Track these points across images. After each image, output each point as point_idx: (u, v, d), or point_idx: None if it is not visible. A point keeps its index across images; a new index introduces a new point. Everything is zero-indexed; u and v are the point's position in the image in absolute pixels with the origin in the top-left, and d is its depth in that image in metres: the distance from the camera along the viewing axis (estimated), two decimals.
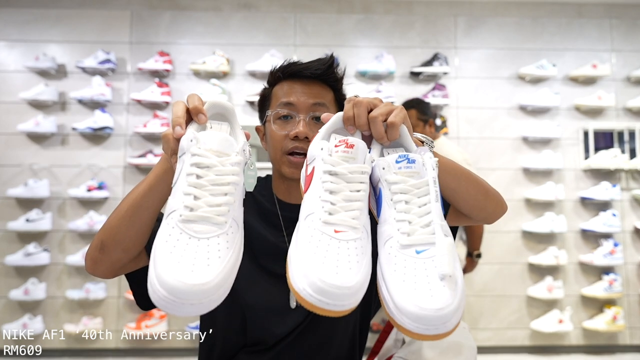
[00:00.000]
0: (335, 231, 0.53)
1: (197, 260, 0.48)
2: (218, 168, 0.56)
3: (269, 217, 0.98)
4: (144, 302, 0.86)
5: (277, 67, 0.96)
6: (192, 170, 0.55)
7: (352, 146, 0.59)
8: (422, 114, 2.38)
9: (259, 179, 1.02)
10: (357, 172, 0.58)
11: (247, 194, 0.80)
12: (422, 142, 0.69)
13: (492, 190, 0.81)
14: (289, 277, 0.51)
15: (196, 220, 0.52)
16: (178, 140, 0.59)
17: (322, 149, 0.60)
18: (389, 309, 0.51)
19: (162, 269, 0.47)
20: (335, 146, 0.59)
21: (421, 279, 0.50)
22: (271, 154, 0.94)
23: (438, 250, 0.51)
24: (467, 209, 0.78)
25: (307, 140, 0.87)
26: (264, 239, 0.94)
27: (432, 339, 0.49)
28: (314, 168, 0.60)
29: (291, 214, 0.95)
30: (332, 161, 0.58)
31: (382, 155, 0.65)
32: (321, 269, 0.49)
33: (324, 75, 0.93)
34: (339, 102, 0.98)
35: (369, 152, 0.62)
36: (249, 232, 0.93)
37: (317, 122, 0.90)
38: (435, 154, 0.66)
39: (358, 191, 0.57)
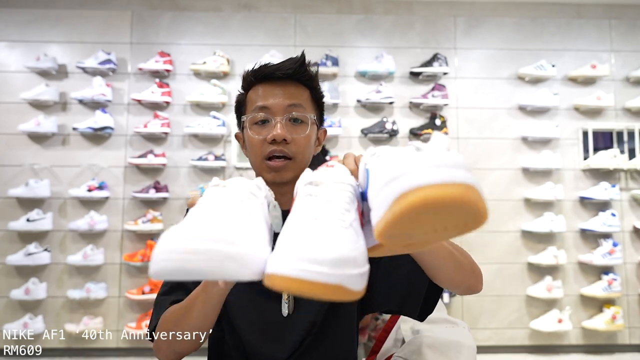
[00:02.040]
0: (316, 219, 0.47)
1: (209, 221, 0.45)
2: (236, 189, 0.54)
3: None
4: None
5: (249, 71, 0.94)
6: (211, 190, 0.54)
7: (332, 166, 0.58)
8: None
9: None
10: (340, 182, 0.53)
11: None
12: None
13: (472, 268, 0.78)
14: (272, 277, 0.43)
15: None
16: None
17: (304, 176, 0.58)
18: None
19: (169, 235, 0.43)
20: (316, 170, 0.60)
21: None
22: (251, 160, 0.91)
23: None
24: (443, 284, 0.77)
25: (285, 142, 0.86)
26: None
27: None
28: (297, 193, 0.56)
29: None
30: (313, 176, 0.55)
31: None
32: (310, 243, 0.42)
33: (296, 75, 0.90)
34: (316, 101, 0.95)
35: None
36: None
37: (295, 123, 0.89)
38: None
39: (342, 192, 0.51)
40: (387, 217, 0.40)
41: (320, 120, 0.96)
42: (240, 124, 0.95)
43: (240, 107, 0.96)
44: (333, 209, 0.48)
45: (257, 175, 0.91)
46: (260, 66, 0.92)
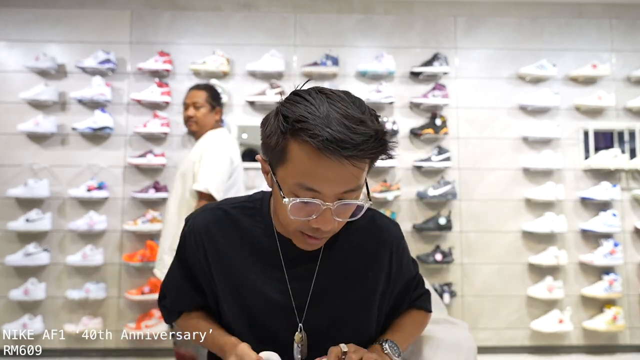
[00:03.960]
0: None
1: None
2: None
3: (266, 254, 0.84)
4: (170, 316, 0.95)
5: (294, 117, 0.66)
6: None
7: None
8: (213, 99, 2.27)
9: (251, 196, 0.90)
10: None
11: (239, 223, 0.87)
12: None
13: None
14: None
15: None
16: None
17: None
18: None
19: None
20: None
21: None
22: (282, 221, 0.77)
23: None
24: None
25: (331, 231, 0.73)
26: (260, 290, 0.83)
27: None
28: None
29: (294, 250, 0.81)
30: None
31: None
32: None
33: (369, 154, 0.67)
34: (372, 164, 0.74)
35: None
36: (243, 282, 0.84)
37: (347, 206, 0.71)
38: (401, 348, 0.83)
39: None
40: None
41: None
42: (270, 158, 0.74)
43: (275, 153, 0.71)
44: None
45: (283, 230, 0.81)
46: (315, 121, 0.64)
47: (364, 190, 0.74)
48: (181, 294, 0.91)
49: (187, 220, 0.90)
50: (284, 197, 0.69)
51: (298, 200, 0.69)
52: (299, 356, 0.81)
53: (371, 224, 0.89)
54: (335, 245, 0.84)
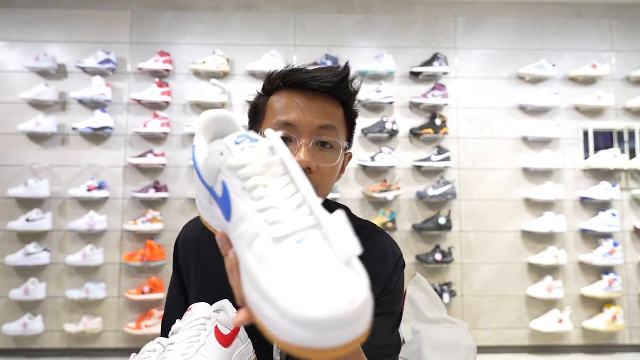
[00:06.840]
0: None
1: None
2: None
3: None
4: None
5: (276, 73, 0.77)
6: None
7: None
8: None
9: None
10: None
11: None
12: None
13: None
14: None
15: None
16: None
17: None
18: (274, 327, 0.36)
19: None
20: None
21: (316, 271, 0.36)
22: None
23: (329, 229, 0.38)
24: None
25: (310, 171, 0.72)
26: None
27: (343, 352, 0.34)
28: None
29: None
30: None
31: None
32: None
33: (335, 90, 0.74)
34: (350, 120, 0.80)
35: None
36: (223, 283, 0.80)
37: (323, 147, 0.75)
38: None
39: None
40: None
41: (350, 143, 0.82)
42: (256, 131, 0.79)
43: (258, 113, 0.79)
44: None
45: None
46: (292, 70, 0.75)
47: (342, 155, 0.78)
48: (176, 307, 0.91)
49: (180, 232, 0.93)
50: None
51: (278, 130, 0.65)
52: (279, 357, 0.79)
53: (368, 239, 0.83)
54: None
